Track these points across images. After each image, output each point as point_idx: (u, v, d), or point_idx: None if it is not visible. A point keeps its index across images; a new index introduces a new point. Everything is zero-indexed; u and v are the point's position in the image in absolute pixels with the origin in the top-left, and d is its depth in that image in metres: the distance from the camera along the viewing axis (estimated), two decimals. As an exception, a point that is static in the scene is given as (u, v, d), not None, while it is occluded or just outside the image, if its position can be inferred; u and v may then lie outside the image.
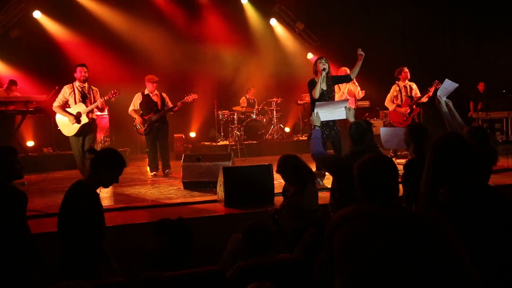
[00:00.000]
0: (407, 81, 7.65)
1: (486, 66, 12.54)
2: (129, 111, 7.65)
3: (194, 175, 6.02)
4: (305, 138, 10.87)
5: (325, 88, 5.94)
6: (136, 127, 7.57)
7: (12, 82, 9.49)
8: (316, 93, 5.85)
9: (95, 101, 6.57)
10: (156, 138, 7.52)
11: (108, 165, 3.05)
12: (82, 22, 11.02)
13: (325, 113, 4.38)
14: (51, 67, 10.53)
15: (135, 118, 7.51)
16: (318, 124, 3.99)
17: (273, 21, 12.98)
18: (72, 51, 10.94)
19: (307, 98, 11.27)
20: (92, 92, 6.66)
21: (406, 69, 7.65)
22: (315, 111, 4.25)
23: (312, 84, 6.02)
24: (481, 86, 11.68)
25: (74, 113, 6.43)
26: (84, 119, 6.45)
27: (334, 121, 6.05)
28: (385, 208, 1.94)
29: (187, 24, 11.84)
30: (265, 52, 12.52)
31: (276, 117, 10.97)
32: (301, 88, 11.60)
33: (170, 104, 7.65)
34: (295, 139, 11.16)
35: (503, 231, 1.95)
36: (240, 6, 12.65)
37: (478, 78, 12.05)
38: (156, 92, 7.59)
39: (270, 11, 12.89)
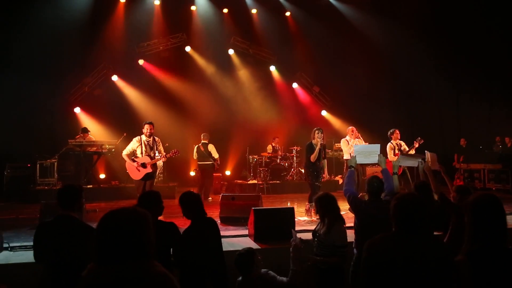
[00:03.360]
0: (398, 140, 7.59)
1: (466, 125, 12.36)
2: (217, 156, 8.97)
3: (229, 211, 5.96)
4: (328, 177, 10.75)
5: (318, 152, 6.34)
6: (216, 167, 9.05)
7: (84, 130, 9.60)
8: (314, 158, 6.29)
9: (157, 150, 6.39)
10: None
11: None
12: (147, 84, 11.48)
13: (361, 158, 4.19)
14: (121, 118, 10.85)
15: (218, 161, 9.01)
16: (354, 165, 3.74)
17: (295, 85, 13.17)
18: (138, 106, 11.37)
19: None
20: (156, 143, 6.39)
21: (397, 131, 7.63)
22: (354, 154, 4.12)
23: (310, 148, 6.40)
24: (462, 142, 11.59)
25: (140, 163, 6.21)
26: (148, 169, 6.21)
27: (323, 171, 6.47)
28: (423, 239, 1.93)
29: (225, 86, 12.13)
30: (288, 109, 12.62)
31: (296, 162, 10.89)
32: (316, 138, 11.62)
33: None
34: (310, 180, 10.98)
35: None
36: (269, 72, 12.93)
37: (460, 135, 11.92)
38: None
39: (293, 77, 13.11)
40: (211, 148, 9.00)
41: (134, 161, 6.25)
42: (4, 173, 8.81)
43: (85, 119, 10.91)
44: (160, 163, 9.42)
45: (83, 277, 1.48)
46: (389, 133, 7.66)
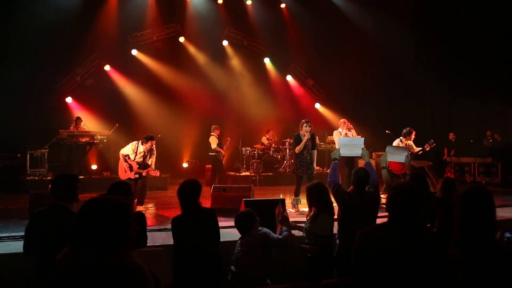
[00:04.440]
0: (410, 141, 7.43)
1: (458, 121, 12.43)
2: (213, 147, 9.20)
3: (220, 202, 5.95)
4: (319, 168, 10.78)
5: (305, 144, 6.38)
6: (220, 157, 9.40)
7: (78, 118, 9.58)
8: (299, 149, 6.30)
9: (149, 160, 6.39)
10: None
11: None
12: (140, 74, 11.35)
13: (345, 150, 4.22)
14: (113, 108, 10.73)
15: (221, 151, 9.33)
16: (337, 158, 3.82)
17: (289, 77, 13.11)
18: (131, 97, 11.26)
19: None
20: (151, 153, 6.40)
21: (414, 133, 7.31)
22: (338, 147, 4.14)
23: (297, 139, 6.43)
24: (451, 136, 11.61)
25: (128, 166, 6.27)
26: (131, 175, 6.21)
27: (312, 162, 6.40)
28: (415, 230, 1.91)
29: (219, 78, 12.02)
30: (282, 102, 12.56)
31: (288, 154, 10.87)
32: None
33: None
34: (303, 172, 11.00)
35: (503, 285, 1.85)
36: (263, 64, 12.84)
37: (451, 130, 11.97)
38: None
39: (287, 69, 13.04)
40: (211, 139, 9.29)
41: (127, 163, 6.31)
42: (-6, 162, 8.69)
43: (77, 109, 10.77)
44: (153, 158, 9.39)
45: (58, 259, 1.48)
46: (404, 131, 7.25)
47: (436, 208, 3.49)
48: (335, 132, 7.73)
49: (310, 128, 6.36)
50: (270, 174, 10.54)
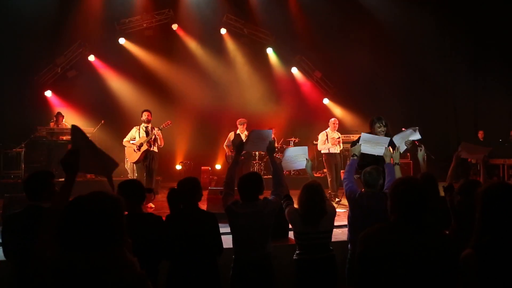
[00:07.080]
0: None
1: (484, 119, 12.34)
2: (225, 145, 8.63)
3: (217, 206, 5.86)
4: (319, 174, 10.64)
5: None
6: (227, 158, 8.73)
7: (59, 114, 9.59)
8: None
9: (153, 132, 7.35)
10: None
11: None
12: (128, 65, 11.33)
13: (366, 147, 4.21)
14: (99, 103, 10.70)
15: (227, 151, 8.61)
16: (357, 154, 3.85)
17: (294, 70, 13.03)
18: (118, 90, 11.22)
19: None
20: (153, 130, 7.34)
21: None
22: (359, 143, 4.11)
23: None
24: (480, 134, 11.60)
25: (138, 144, 7.19)
26: (144, 147, 7.13)
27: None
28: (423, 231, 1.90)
29: (216, 70, 11.98)
30: (286, 96, 12.49)
31: (293, 155, 10.77)
32: (318, 129, 11.48)
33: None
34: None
35: None
36: (265, 54, 12.77)
37: (478, 127, 11.93)
38: (245, 132, 8.21)
39: (292, 61, 12.96)
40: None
41: (132, 143, 7.23)
42: (-36, 163, 8.65)
43: (58, 104, 10.75)
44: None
45: (50, 257, 1.53)
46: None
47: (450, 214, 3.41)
48: (322, 133, 8.14)
49: (385, 128, 4.87)
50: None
